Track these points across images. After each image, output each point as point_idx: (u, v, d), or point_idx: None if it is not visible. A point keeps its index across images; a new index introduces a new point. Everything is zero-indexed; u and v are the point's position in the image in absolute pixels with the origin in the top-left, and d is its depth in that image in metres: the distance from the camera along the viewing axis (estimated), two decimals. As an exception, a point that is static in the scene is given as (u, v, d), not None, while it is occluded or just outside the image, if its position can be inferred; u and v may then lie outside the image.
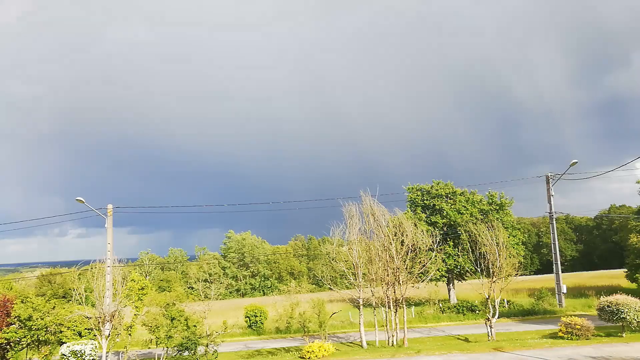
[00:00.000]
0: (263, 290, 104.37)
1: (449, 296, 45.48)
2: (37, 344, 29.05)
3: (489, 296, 28.39)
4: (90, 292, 28.33)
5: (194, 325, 27.58)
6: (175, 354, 27.49)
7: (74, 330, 29.61)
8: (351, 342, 30.88)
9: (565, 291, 39.12)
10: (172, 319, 27.56)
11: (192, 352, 26.33)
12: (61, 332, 29.11)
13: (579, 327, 24.75)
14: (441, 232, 41.96)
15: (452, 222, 43.11)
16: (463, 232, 39.77)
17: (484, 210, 43.58)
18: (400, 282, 28.92)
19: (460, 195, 44.81)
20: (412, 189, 46.15)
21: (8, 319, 28.65)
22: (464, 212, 43.07)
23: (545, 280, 58.01)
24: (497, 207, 43.90)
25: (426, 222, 43.14)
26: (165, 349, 27.72)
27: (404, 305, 29.33)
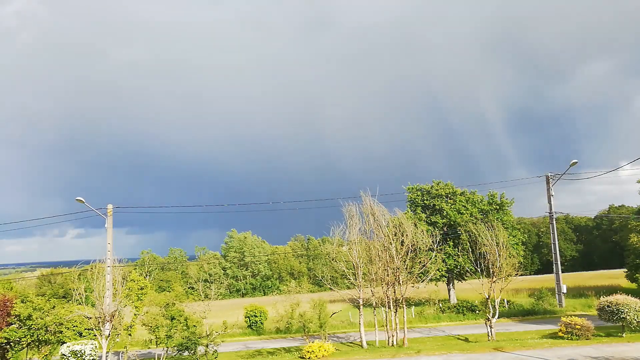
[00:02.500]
0: (263, 290, 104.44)
1: (449, 296, 45.48)
2: (37, 343, 29.06)
3: (489, 296, 28.39)
4: (91, 292, 28.33)
5: (194, 325, 27.60)
6: (175, 354, 27.50)
7: (74, 330, 29.62)
8: (351, 342, 30.88)
9: (565, 291, 39.12)
10: (172, 319, 27.60)
11: (192, 352, 26.34)
12: (61, 332, 29.12)
13: (579, 327, 24.75)
14: (441, 232, 41.98)
15: (452, 222, 43.11)
16: (463, 232, 39.76)
17: (484, 210, 43.60)
18: (400, 282, 28.93)
19: (460, 195, 44.82)
20: (412, 189, 46.15)
21: (8, 319, 28.66)
22: (464, 212, 43.07)
23: (545, 280, 58.00)
24: (497, 207, 43.91)
25: (426, 222, 43.14)
26: (165, 349, 27.72)
27: (404, 305, 29.33)
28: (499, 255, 28.05)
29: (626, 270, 43.59)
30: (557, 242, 41.06)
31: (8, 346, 29.10)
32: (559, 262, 40.22)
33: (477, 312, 38.24)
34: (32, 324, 28.02)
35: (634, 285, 42.32)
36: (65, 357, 26.98)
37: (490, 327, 27.41)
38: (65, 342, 28.30)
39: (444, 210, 43.56)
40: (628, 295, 26.03)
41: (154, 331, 27.17)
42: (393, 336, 28.67)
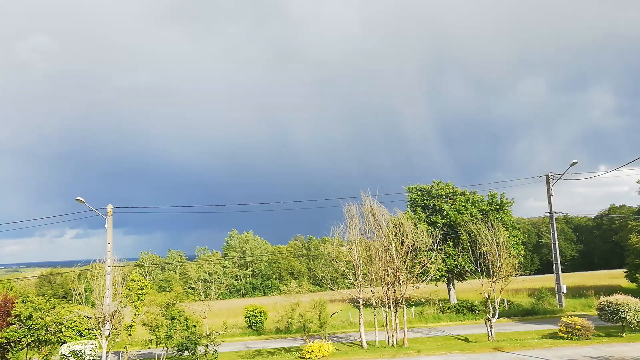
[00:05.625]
0: (263, 290, 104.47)
1: (449, 296, 45.48)
2: (37, 343, 29.07)
3: (489, 296, 28.39)
4: (90, 292, 28.32)
5: (194, 325, 27.62)
6: (175, 354, 27.51)
7: (74, 330, 29.63)
8: (351, 342, 30.89)
9: (565, 291, 39.12)
10: (172, 319, 27.61)
11: (192, 352, 26.35)
12: (61, 332, 29.13)
13: (579, 327, 24.76)
14: (441, 232, 41.93)
15: (452, 222, 43.09)
16: (463, 232, 39.76)
17: (484, 210, 43.56)
18: (400, 282, 28.93)
19: (460, 195, 44.79)
20: (412, 189, 46.13)
21: (8, 319, 28.67)
22: (464, 212, 43.04)
23: (545, 280, 58.04)
24: (497, 207, 43.88)
25: (426, 222, 43.12)
26: (165, 349, 27.74)
27: (404, 305, 29.33)
28: (499, 255, 28.05)
29: (626, 270, 43.58)
30: (557, 242, 41.04)
31: (8, 346, 29.14)
32: (559, 262, 40.21)
33: (477, 312, 38.25)
34: (32, 324, 28.04)
35: (634, 285, 42.32)
36: (65, 357, 26.97)
37: (490, 327, 27.41)
38: (66, 342, 28.30)
39: (444, 210, 43.55)
40: (628, 295, 26.03)
41: (154, 331, 27.18)
42: (393, 336, 28.67)
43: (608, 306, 24.97)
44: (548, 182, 40.52)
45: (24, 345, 29.33)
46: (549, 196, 40.58)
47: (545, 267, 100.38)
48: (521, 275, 31.31)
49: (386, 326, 29.25)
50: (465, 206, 43.67)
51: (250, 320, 40.17)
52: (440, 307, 41.25)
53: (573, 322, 25.04)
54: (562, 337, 25.05)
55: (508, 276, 28.17)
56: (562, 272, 41.14)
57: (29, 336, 28.18)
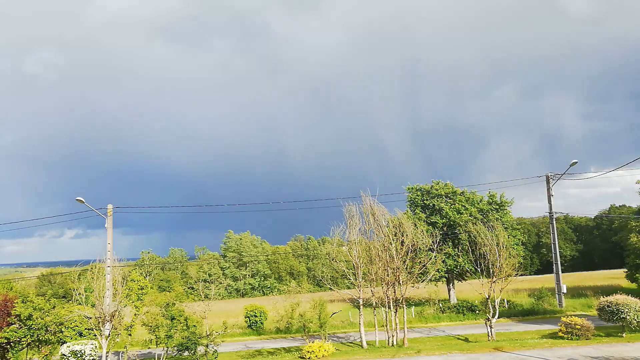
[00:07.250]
0: (263, 290, 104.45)
1: (449, 296, 45.47)
2: (37, 343, 29.05)
3: (489, 296, 28.40)
4: (91, 292, 28.32)
5: (194, 325, 27.61)
6: (175, 354, 27.51)
7: (74, 330, 29.63)
8: (351, 342, 30.89)
9: (565, 291, 39.11)
10: (172, 319, 27.62)
11: (192, 352, 26.35)
12: (61, 332, 29.13)
13: (579, 327, 24.76)
14: (441, 232, 41.93)
15: (451, 222, 43.07)
16: (463, 232, 39.77)
17: (484, 210, 43.54)
18: (400, 282, 28.93)
19: (460, 195, 44.77)
20: (412, 189, 46.09)
21: (8, 319, 28.66)
22: (464, 212, 43.01)
23: (545, 280, 58.01)
24: (497, 207, 43.86)
25: (426, 222, 43.10)
26: (165, 349, 27.73)
27: (404, 305, 29.33)
28: (499, 255, 28.06)
29: (626, 270, 43.57)
30: (557, 242, 41.03)
31: (8, 346, 29.12)
32: (559, 262, 40.20)
33: (477, 312, 38.24)
34: (32, 324, 28.02)
35: (634, 285, 42.31)
36: (65, 357, 26.98)
37: (490, 327, 27.42)
38: (66, 342, 28.31)
39: (444, 210, 43.52)
40: (628, 295, 26.03)
41: (154, 331, 27.18)
42: (393, 336, 28.68)
43: (608, 306, 24.98)
44: (548, 182, 40.51)
45: (24, 345, 29.31)
46: (549, 196, 40.57)
47: (545, 267, 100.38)
48: (521, 275, 31.32)
49: (386, 326, 29.25)
50: (464, 206, 43.63)
51: (250, 320, 40.17)
52: (440, 307, 41.25)
53: (573, 322, 25.04)
54: (562, 337, 25.06)
55: (508, 276, 28.17)
56: (562, 272, 41.14)
57: (29, 336, 28.17)
